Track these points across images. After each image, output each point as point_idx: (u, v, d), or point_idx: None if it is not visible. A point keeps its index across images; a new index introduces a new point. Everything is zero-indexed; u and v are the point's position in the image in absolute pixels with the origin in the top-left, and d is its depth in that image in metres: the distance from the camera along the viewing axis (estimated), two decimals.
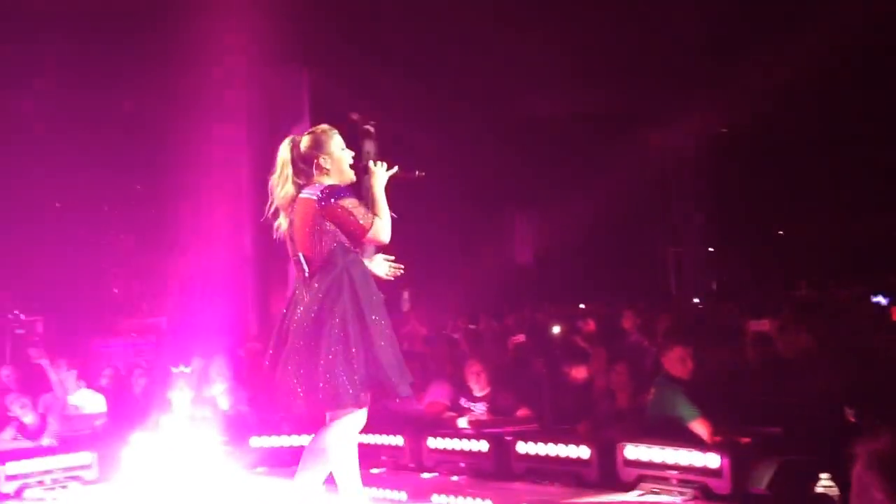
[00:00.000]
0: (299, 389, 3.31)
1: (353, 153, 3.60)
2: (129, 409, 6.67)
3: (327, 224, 3.38)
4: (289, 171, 3.50)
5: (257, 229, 12.00)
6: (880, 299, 7.79)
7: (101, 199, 10.45)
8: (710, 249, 17.18)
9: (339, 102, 13.37)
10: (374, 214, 3.43)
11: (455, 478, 5.33)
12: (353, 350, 3.27)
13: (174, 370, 6.69)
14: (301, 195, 3.45)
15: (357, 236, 3.42)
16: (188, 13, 8.89)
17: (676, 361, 5.08)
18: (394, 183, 3.60)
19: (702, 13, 12.17)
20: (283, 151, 3.55)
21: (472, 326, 10.93)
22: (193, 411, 6.37)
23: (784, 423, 4.89)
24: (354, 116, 3.74)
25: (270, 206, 3.56)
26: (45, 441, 6.07)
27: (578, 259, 16.83)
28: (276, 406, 3.50)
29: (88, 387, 6.93)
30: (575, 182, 16.02)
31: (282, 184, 3.51)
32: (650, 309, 9.30)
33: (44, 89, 9.08)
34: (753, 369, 6.07)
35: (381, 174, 3.55)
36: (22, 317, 9.27)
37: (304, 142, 3.55)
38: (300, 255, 3.44)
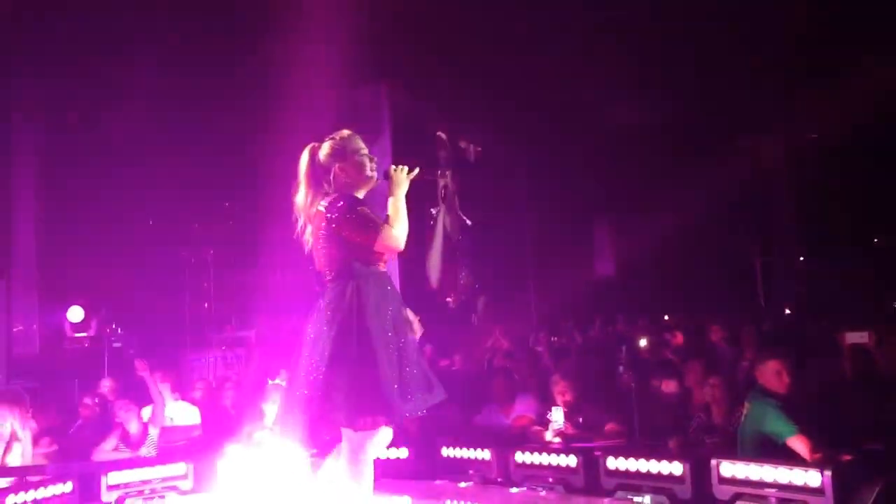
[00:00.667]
0: (301, 407, 3.26)
1: (374, 157, 3.52)
2: (221, 420, 6.83)
3: (339, 236, 3.30)
4: (307, 182, 3.45)
5: None
6: None
7: (193, 218, 10.78)
8: (801, 259, 16.61)
9: (419, 117, 13.52)
10: (387, 223, 3.31)
11: (543, 493, 5.28)
12: (354, 368, 3.18)
13: (270, 382, 6.82)
14: (317, 207, 3.39)
15: (368, 247, 3.29)
16: (273, 35, 9.12)
17: (772, 375, 4.93)
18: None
19: (794, 17, 11.85)
20: (303, 162, 3.49)
21: (553, 339, 10.87)
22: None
23: (886, 440, 4.70)
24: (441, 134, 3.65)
25: (297, 220, 3.49)
26: (144, 451, 6.27)
27: (662, 270, 16.52)
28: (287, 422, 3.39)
29: (182, 399, 7.12)
30: (658, 191, 15.75)
31: (302, 196, 3.46)
32: (739, 321, 9.06)
33: (139, 111, 9.42)
34: (851, 383, 5.86)
35: (400, 179, 3.43)
36: (119, 331, 9.63)
37: (323, 150, 3.48)
38: (319, 268, 3.41)
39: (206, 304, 10.89)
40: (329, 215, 3.29)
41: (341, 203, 3.30)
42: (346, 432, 3.30)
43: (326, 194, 3.41)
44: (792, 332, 7.73)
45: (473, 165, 12.65)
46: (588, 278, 16.87)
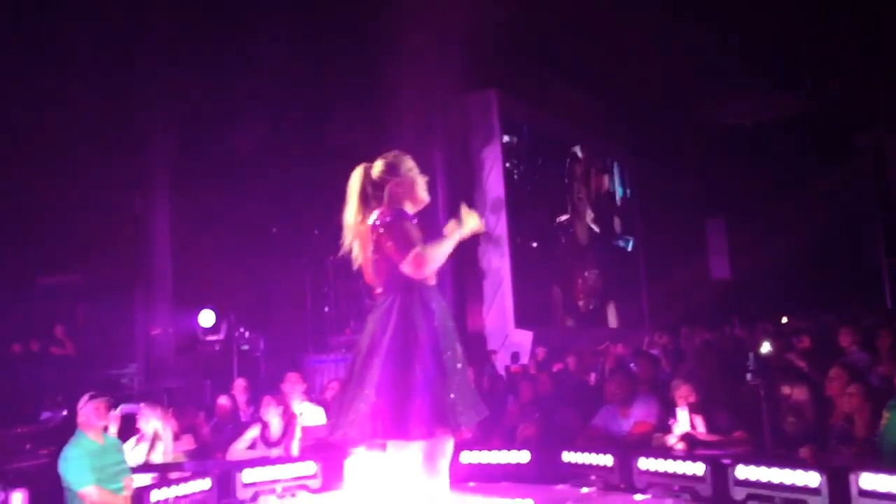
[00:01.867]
0: (348, 421, 3.28)
1: (426, 177, 3.57)
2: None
3: (385, 249, 3.33)
4: (358, 199, 3.50)
5: (454, 248, 12.43)
6: None
7: (313, 225, 11.14)
8: None
9: (528, 121, 13.56)
10: (422, 245, 3.31)
11: (669, 501, 5.22)
12: (403, 380, 3.19)
13: None
14: (368, 221, 3.44)
15: (400, 262, 3.30)
16: (385, 43, 9.33)
17: None
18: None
19: None
20: (354, 180, 3.55)
21: (667, 341, 10.67)
22: None
23: None
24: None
25: (346, 236, 3.54)
26: (275, 452, 6.50)
27: (780, 272, 15.97)
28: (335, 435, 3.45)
29: (308, 400, 7.36)
30: (774, 192, 15.28)
31: (352, 213, 3.51)
32: (870, 324, 8.66)
33: (262, 126, 9.83)
34: None
35: (465, 221, 3.51)
36: (247, 334, 10.04)
37: (376, 168, 3.53)
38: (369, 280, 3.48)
39: (326, 309, 11.25)
40: (378, 227, 3.35)
41: (390, 216, 3.36)
42: (400, 445, 3.32)
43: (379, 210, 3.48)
44: None
45: None
46: (703, 281, 16.48)
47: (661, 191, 16.45)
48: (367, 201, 3.50)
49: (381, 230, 3.34)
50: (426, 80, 10.09)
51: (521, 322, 12.40)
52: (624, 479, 5.54)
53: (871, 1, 11.36)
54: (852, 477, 4.34)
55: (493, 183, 12.75)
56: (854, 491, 4.33)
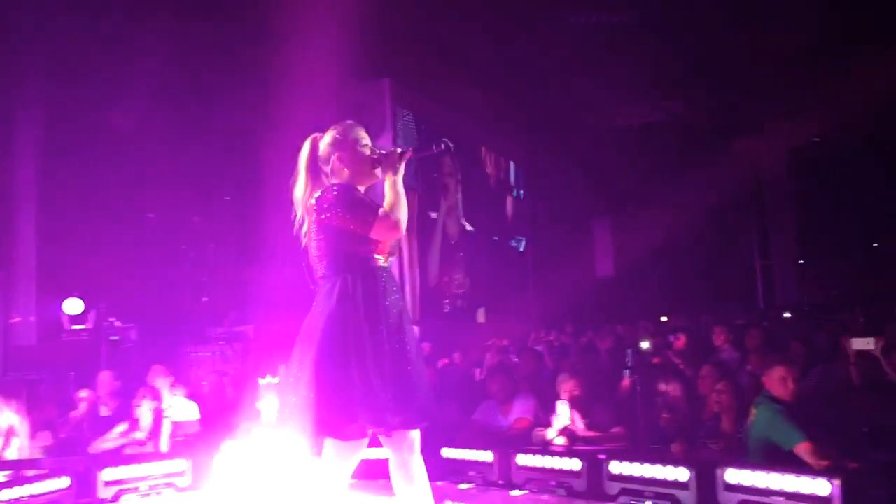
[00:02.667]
0: (283, 412, 3.13)
1: (377, 148, 3.30)
2: (219, 417, 6.78)
3: (331, 228, 3.11)
4: (305, 173, 3.27)
5: None
6: None
7: (193, 211, 10.70)
8: (801, 262, 16.64)
9: (422, 115, 13.47)
10: (383, 208, 3.10)
11: (546, 496, 5.22)
12: (341, 371, 2.99)
13: (261, 381, 6.76)
14: (311, 199, 3.22)
15: (364, 236, 3.09)
16: (280, 32, 9.06)
17: (777, 381, 4.88)
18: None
19: (795, 22, 11.84)
20: (303, 152, 3.32)
21: (551, 338, 10.83)
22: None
23: (893, 449, 4.66)
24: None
25: (295, 214, 3.30)
26: (149, 446, 6.20)
27: (661, 271, 16.51)
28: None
29: (182, 393, 7.06)
30: (658, 193, 15.75)
31: (300, 188, 3.28)
32: (741, 324, 9.01)
33: (140, 105, 9.36)
34: (857, 390, 5.81)
35: (390, 163, 3.21)
36: (117, 324, 9.55)
37: (324, 140, 3.31)
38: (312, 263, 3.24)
39: (204, 299, 10.82)
40: (322, 205, 3.12)
41: (335, 191, 3.13)
42: (331, 441, 3.15)
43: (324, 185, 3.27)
44: (796, 336, 7.66)
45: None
46: (588, 278, 16.83)
47: (551, 191, 16.72)
48: (315, 176, 3.28)
49: (327, 207, 3.10)
50: (318, 66, 9.84)
51: (417, 317, 12.31)
52: (503, 475, 5.51)
53: (752, 15, 11.83)
54: (718, 472, 4.44)
55: None
56: (720, 485, 4.43)
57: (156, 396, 6.37)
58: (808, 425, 4.65)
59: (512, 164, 17.11)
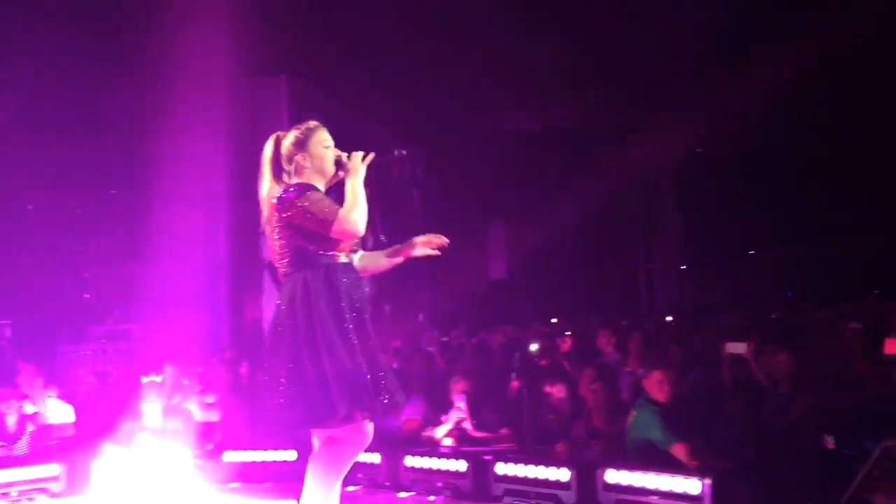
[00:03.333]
0: (265, 406, 3.13)
1: (338, 152, 3.33)
2: (99, 418, 6.52)
3: (292, 226, 3.16)
4: (268, 171, 3.33)
5: (232, 237, 11.96)
6: (854, 324, 7.81)
7: (76, 203, 10.23)
8: (683, 267, 17.35)
9: (320, 111, 13.31)
10: (343, 208, 3.14)
11: (432, 498, 5.27)
12: (303, 368, 3.04)
13: (144, 380, 6.56)
14: (272, 198, 3.25)
15: (322, 235, 3.14)
16: (170, 21, 8.79)
17: (656, 384, 5.08)
18: (378, 170, 3.32)
19: (682, 30, 12.30)
20: (266, 150, 3.37)
21: (444, 339, 10.91)
22: (164, 422, 6.25)
23: (763, 449, 4.91)
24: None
25: (263, 210, 3.34)
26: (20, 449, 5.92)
27: (552, 274, 16.89)
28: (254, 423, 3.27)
29: (58, 394, 6.76)
30: (551, 197, 16.09)
31: (264, 185, 3.33)
32: (625, 327, 9.31)
33: (22, 93, 8.90)
34: (729, 393, 6.08)
35: (353, 164, 3.26)
36: None
37: (287, 139, 3.35)
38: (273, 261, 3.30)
39: (86, 296, 10.35)
40: (282, 204, 3.16)
41: (293, 190, 3.18)
42: (318, 434, 3.23)
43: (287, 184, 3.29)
44: (676, 339, 7.97)
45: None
46: (482, 280, 17.04)
47: (447, 193, 16.83)
48: (278, 174, 3.31)
49: (287, 205, 3.15)
50: (211, 60, 9.61)
51: None
52: (390, 476, 5.53)
53: (640, 24, 12.22)
54: (598, 472, 4.60)
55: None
56: (600, 485, 4.59)
57: (21, 398, 6.08)
58: (683, 427, 4.87)
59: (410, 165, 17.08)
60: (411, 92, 14.30)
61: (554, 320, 14.01)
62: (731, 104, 13.32)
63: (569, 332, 8.76)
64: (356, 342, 3.10)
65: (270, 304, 12.28)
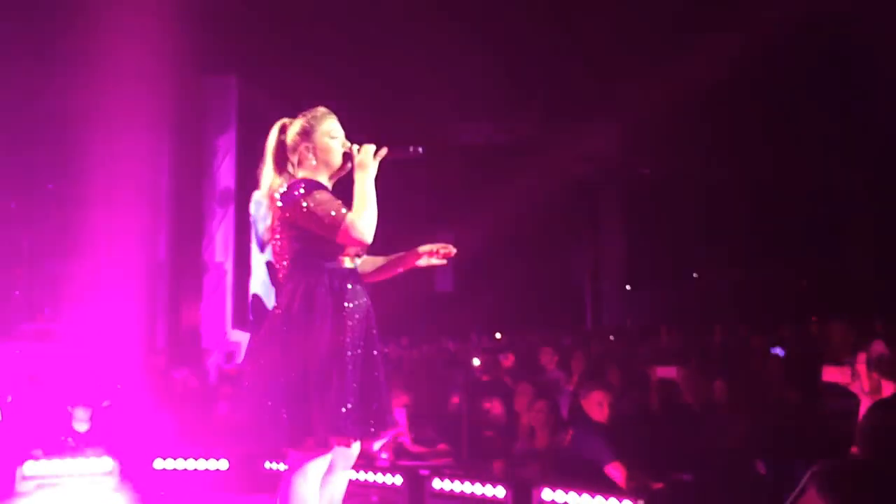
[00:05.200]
0: (238, 424, 2.95)
1: (348, 143, 3.05)
2: (26, 422, 6.29)
3: (295, 227, 2.91)
4: (273, 161, 3.04)
5: (173, 238, 11.73)
6: (778, 351, 7.97)
7: (9, 196, 9.87)
8: (628, 287, 17.58)
9: (267, 112, 13.15)
10: (352, 211, 2.87)
11: None
12: (289, 382, 2.80)
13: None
14: (276, 193, 2.98)
15: (327, 238, 2.88)
16: (113, 15, 8.58)
17: (595, 405, 5.10)
18: (388, 166, 3.02)
19: (626, 46, 12.48)
20: (270, 139, 3.08)
21: (385, 351, 10.85)
22: (93, 427, 6.09)
23: (695, 471, 4.96)
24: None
25: (262, 202, 3.07)
26: None
27: (497, 288, 16.94)
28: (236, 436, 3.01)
29: None
30: (496, 209, 16.15)
31: (265, 177, 3.04)
32: (568, 345, 9.37)
33: None
34: (657, 416, 6.14)
35: (364, 159, 2.97)
36: None
37: (292, 128, 3.07)
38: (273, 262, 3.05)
39: (17, 292, 9.99)
40: (286, 202, 2.89)
41: (301, 188, 2.89)
42: (292, 452, 2.90)
43: (292, 178, 3.01)
44: (615, 361, 8.04)
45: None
46: (426, 292, 17.00)
47: (394, 202, 16.78)
48: (281, 165, 3.03)
49: (290, 205, 2.88)
50: (157, 55, 9.40)
51: (238, 322, 11.94)
52: None
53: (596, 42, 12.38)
54: (535, 490, 4.58)
55: (225, 173, 12.19)
56: (536, 503, 4.57)
57: None
58: (619, 447, 4.89)
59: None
60: (359, 97, 14.26)
61: (498, 335, 14.05)
62: (676, 125, 13.57)
63: (511, 349, 8.77)
64: (353, 361, 2.85)
65: (209, 308, 12.07)
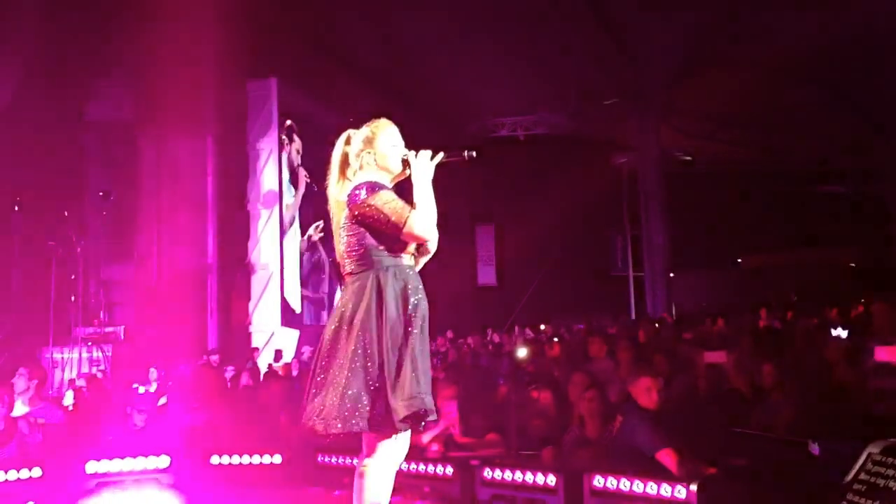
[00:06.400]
0: (315, 412, 3.02)
1: (406, 150, 3.26)
2: (87, 423, 6.49)
3: (361, 225, 3.11)
4: (337, 169, 3.29)
5: (220, 240, 11.94)
6: (840, 332, 7.88)
7: (63, 205, 10.15)
8: (671, 275, 17.39)
9: (308, 114, 13.31)
10: (415, 209, 3.09)
11: (418, 502, 5.27)
12: (367, 370, 2.97)
13: (138, 388, 6.54)
14: (339, 195, 3.23)
15: (392, 236, 3.09)
16: (159, 27, 8.78)
17: (643, 391, 5.09)
18: (444, 170, 3.24)
19: (668, 37, 12.40)
20: (337, 148, 3.32)
21: (431, 345, 10.92)
22: (151, 425, 6.25)
23: (749, 455, 4.94)
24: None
25: (331, 208, 3.31)
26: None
27: (541, 280, 16.91)
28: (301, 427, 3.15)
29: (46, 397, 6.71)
30: (539, 202, 16.14)
31: (332, 183, 3.30)
32: (613, 334, 9.34)
33: (10, 93, 8.85)
34: (706, 401, 6.12)
35: (421, 164, 3.20)
36: None
37: (357, 136, 3.30)
38: (339, 259, 3.21)
39: (73, 298, 10.28)
40: (354, 200, 3.10)
41: (364, 188, 3.11)
42: (369, 438, 3.08)
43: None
44: (661, 348, 8.01)
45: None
46: (470, 286, 17.06)
47: (436, 198, 16.83)
48: (345, 171, 3.29)
49: (358, 203, 3.09)
50: (203, 62, 9.62)
51: (287, 321, 12.12)
52: None
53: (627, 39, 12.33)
54: (585, 478, 4.60)
55: (269, 175, 12.39)
56: (587, 491, 4.59)
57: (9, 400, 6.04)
58: (669, 433, 4.88)
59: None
60: (399, 97, 14.35)
61: (543, 326, 14.04)
62: (714, 112, 13.45)
63: (556, 339, 8.77)
64: (419, 349, 3.03)
65: (258, 308, 12.28)
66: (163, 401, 7.11)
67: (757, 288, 16.73)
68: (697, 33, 12.22)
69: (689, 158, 17.30)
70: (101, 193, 9.58)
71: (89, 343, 9.47)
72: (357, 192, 3.12)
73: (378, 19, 11.80)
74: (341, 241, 3.18)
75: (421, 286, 3.17)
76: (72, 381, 8.11)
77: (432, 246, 3.27)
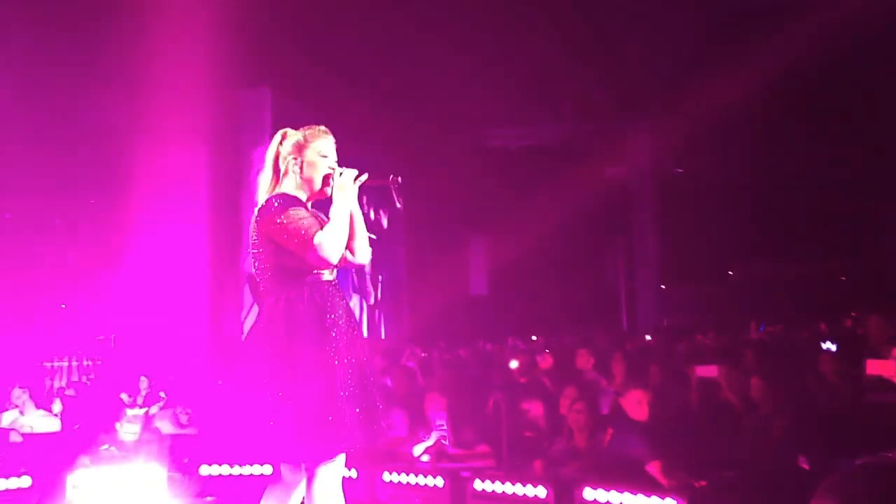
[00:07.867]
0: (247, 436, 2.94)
1: (334, 165, 3.08)
2: (75, 431, 6.46)
3: (272, 241, 2.93)
4: (271, 168, 3.08)
5: (213, 248, 11.91)
6: (829, 345, 7.92)
7: (54, 213, 10.10)
8: (663, 287, 17.44)
9: (302, 124, 13.31)
10: (323, 232, 2.90)
11: None
12: (277, 399, 2.81)
13: (123, 397, 6.51)
14: (256, 207, 3.03)
15: (300, 255, 2.90)
16: (152, 33, 8.77)
17: (634, 404, 5.12)
18: (367, 193, 3.10)
19: (659, 50, 12.47)
20: (272, 146, 3.12)
21: (423, 355, 10.90)
22: (140, 435, 6.20)
23: (737, 469, 4.95)
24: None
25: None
26: None
27: (532, 291, 16.94)
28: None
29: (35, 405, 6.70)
30: (530, 213, 16.17)
31: (263, 184, 3.08)
32: (605, 347, 9.35)
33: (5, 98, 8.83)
34: (698, 414, 6.12)
35: (344, 183, 3.01)
36: None
37: (289, 138, 3.11)
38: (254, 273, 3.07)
39: (63, 305, 10.22)
40: (264, 217, 2.94)
41: (277, 204, 2.93)
42: (292, 468, 2.99)
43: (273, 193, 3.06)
44: (654, 360, 8.02)
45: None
46: (462, 296, 17.05)
47: (427, 209, 16.85)
48: (277, 174, 3.08)
49: (267, 220, 2.93)
50: (192, 70, 9.60)
51: None
52: (367, 492, 5.51)
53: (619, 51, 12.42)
54: (577, 490, 4.60)
55: None
56: (577, 503, 4.59)
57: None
58: (660, 445, 4.89)
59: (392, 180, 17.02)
60: (393, 107, 14.38)
61: (534, 337, 14.05)
62: (709, 124, 13.51)
63: (548, 350, 8.77)
64: (344, 370, 2.88)
65: (250, 316, 12.24)
66: (154, 410, 7.08)
67: (748, 300, 16.77)
68: (691, 46, 12.30)
69: (679, 170, 17.37)
70: (91, 201, 9.55)
71: (79, 350, 9.43)
72: (267, 206, 2.97)
73: (372, 29, 11.83)
74: (255, 256, 3.01)
75: (341, 299, 3.03)
76: (60, 389, 8.06)
77: (362, 259, 3.12)
